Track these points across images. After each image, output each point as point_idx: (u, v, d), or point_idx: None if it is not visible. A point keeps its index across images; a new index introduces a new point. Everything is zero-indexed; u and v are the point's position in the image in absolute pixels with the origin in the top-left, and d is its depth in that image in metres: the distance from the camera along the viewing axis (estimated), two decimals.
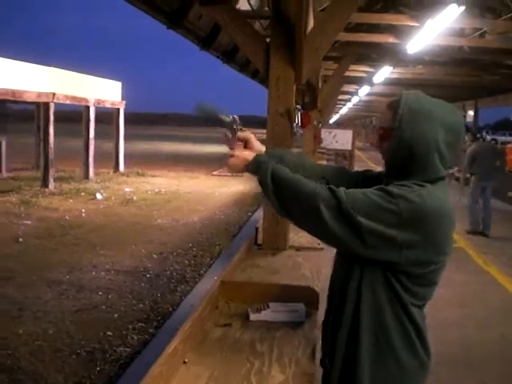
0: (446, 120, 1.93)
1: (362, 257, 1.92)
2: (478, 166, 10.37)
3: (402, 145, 1.94)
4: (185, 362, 2.10)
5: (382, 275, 1.94)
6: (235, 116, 2.23)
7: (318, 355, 2.28)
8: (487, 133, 57.96)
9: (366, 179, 2.27)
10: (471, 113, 31.75)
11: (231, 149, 2.16)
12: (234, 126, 2.21)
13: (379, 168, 2.34)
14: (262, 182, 2.01)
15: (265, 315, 2.59)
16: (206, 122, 2.29)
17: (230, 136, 2.20)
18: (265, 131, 4.15)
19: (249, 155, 2.11)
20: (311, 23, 5.20)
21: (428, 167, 1.94)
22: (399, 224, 1.82)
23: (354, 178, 2.34)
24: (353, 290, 1.98)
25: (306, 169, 2.31)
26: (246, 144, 2.22)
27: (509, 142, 35.33)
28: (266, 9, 7.78)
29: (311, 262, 3.56)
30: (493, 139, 46.92)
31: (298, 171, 2.12)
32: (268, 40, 4.10)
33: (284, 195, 1.96)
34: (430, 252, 1.90)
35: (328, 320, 2.14)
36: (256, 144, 2.24)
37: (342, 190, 1.88)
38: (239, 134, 2.21)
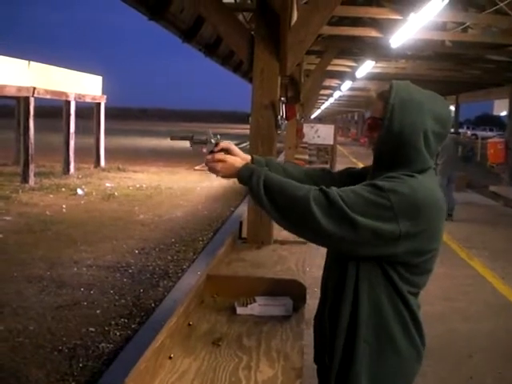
0: (435, 110, 1.94)
1: (358, 256, 1.92)
2: (441, 158, 11.27)
3: (391, 135, 1.94)
4: (170, 358, 2.06)
5: (379, 267, 1.93)
6: (208, 130, 2.24)
7: (306, 350, 2.24)
8: (468, 128, 58.47)
9: (351, 175, 2.28)
10: (452, 108, 32.00)
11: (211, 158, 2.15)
12: (212, 140, 2.20)
13: (360, 164, 2.33)
14: (254, 190, 1.97)
15: (251, 309, 2.55)
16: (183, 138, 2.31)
17: (207, 151, 2.19)
18: (247, 126, 4.11)
19: (237, 161, 2.10)
20: (295, 16, 5.16)
21: (417, 158, 1.95)
22: (395, 217, 1.81)
23: (338, 178, 2.33)
24: (350, 285, 1.96)
25: (292, 173, 2.29)
26: (228, 153, 2.19)
27: (489, 138, 35.61)
28: (249, 1, 7.76)
29: (296, 255, 3.54)
30: (473, 134, 47.42)
31: (285, 176, 2.11)
32: (252, 33, 4.07)
33: (278, 202, 1.93)
34: (425, 241, 1.91)
35: (323, 316, 2.09)
36: (238, 151, 2.23)
37: (333, 190, 1.87)
38: (221, 143, 2.20)
